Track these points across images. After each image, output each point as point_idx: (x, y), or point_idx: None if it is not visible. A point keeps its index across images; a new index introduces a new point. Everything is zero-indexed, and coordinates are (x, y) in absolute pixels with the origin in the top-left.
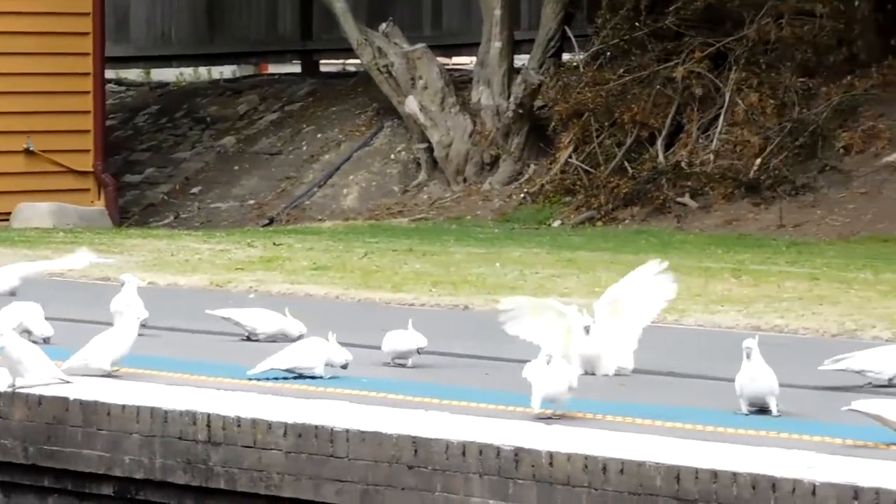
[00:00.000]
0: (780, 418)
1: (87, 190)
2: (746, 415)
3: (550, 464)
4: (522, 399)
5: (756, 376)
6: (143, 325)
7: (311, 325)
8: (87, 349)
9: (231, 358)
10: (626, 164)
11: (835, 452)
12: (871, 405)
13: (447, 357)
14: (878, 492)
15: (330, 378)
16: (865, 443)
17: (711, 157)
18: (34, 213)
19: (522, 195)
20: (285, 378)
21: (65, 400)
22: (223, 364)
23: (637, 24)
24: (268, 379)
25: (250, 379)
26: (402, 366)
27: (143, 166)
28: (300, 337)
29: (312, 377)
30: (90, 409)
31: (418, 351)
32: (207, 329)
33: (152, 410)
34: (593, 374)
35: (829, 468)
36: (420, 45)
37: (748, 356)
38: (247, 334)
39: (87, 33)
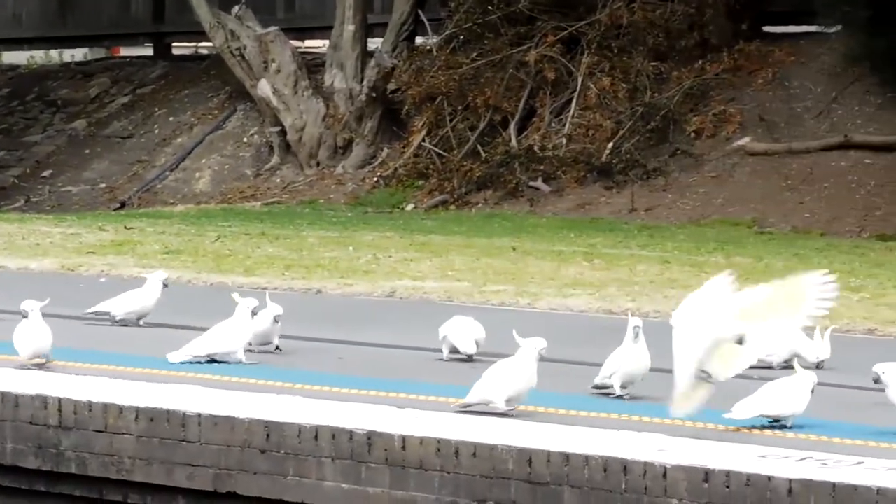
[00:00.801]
0: (631, 401)
1: None
2: (621, 396)
3: (403, 448)
4: (376, 383)
5: (641, 357)
6: None
7: (167, 310)
8: None
9: (94, 343)
10: (479, 147)
11: (685, 435)
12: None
13: (300, 341)
14: (728, 474)
15: (252, 364)
16: (716, 426)
17: (564, 140)
18: None
19: (376, 179)
20: (208, 362)
21: None
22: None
23: (490, 7)
24: (190, 363)
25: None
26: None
27: None
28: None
29: (230, 363)
30: None
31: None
32: (63, 314)
33: (3, 395)
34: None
35: (680, 451)
36: (273, 29)
37: (636, 336)
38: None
39: None
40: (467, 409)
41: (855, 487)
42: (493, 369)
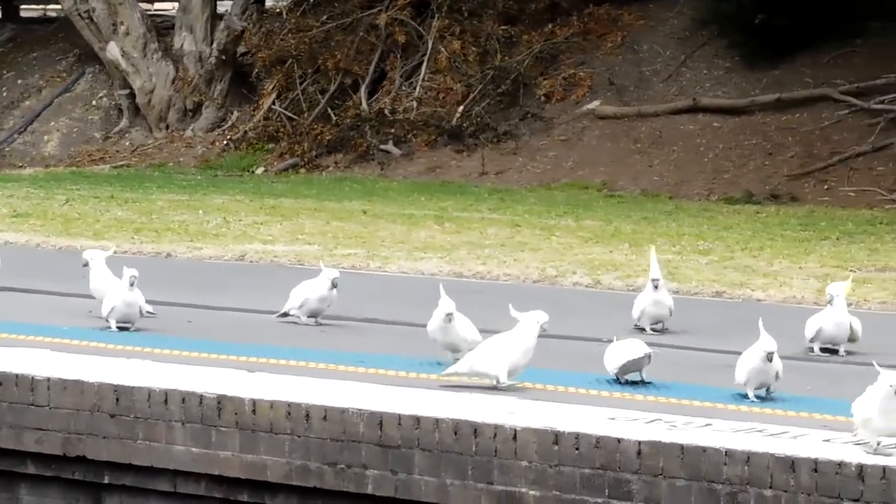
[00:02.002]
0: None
1: None
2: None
3: (253, 411)
4: (226, 347)
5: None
6: None
7: (13, 274)
8: None
9: None
10: (329, 111)
11: (536, 398)
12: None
13: (150, 305)
14: (577, 436)
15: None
16: (566, 388)
17: (414, 104)
18: None
19: (225, 142)
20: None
21: None
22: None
23: None
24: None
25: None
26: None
27: None
28: None
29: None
30: None
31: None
32: None
33: None
34: None
35: (530, 413)
36: None
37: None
38: None
39: None
40: (450, 383)
41: (703, 449)
42: (492, 342)
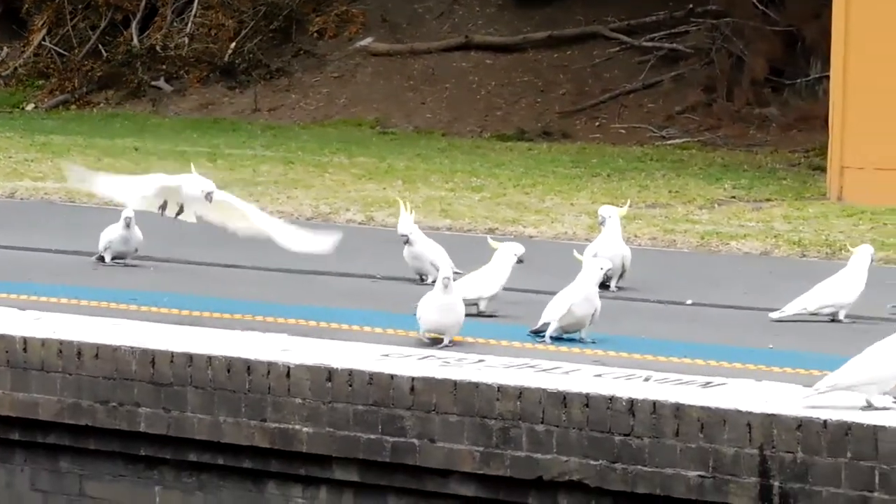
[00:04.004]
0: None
1: None
2: None
3: (24, 349)
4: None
5: None
6: None
7: None
8: None
9: None
10: (100, 47)
11: (308, 335)
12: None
13: None
14: (351, 373)
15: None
16: (340, 325)
17: (186, 40)
18: None
19: None
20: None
21: None
22: None
23: None
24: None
25: None
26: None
27: None
28: None
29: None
30: None
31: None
32: None
33: None
34: None
35: (304, 351)
36: None
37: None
38: None
39: None
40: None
41: (476, 385)
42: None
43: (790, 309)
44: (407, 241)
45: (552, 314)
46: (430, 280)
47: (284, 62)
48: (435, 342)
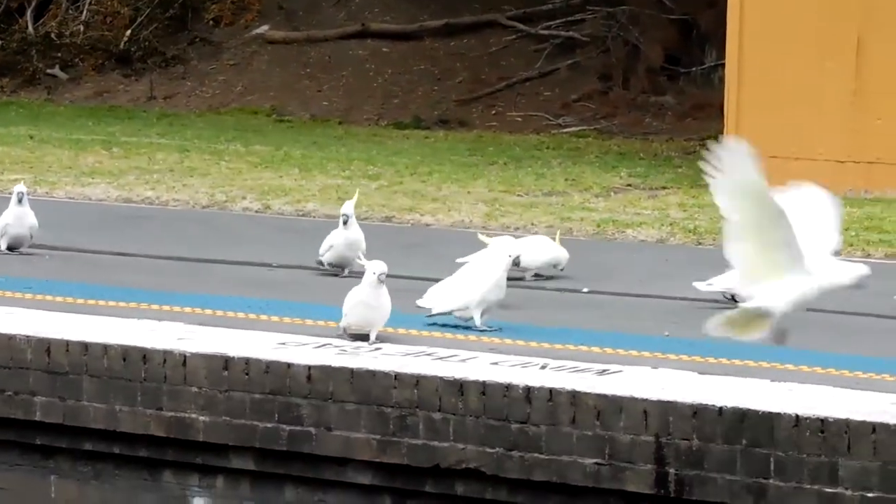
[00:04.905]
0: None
1: None
2: None
3: None
4: None
5: None
6: None
7: None
8: None
9: None
10: None
11: (205, 323)
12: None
13: None
14: (247, 361)
15: None
16: (236, 314)
17: (82, 28)
18: None
19: None
20: None
21: None
22: None
23: None
24: None
25: None
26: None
27: None
28: None
29: None
30: None
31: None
32: None
33: None
34: None
35: (201, 339)
36: None
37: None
38: None
39: None
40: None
41: (373, 373)
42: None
43: (718, 284)
44: (346, 222)
45: (462, 300)
46: (345, 273)
47: (180, 50)
48: (356, 338)
